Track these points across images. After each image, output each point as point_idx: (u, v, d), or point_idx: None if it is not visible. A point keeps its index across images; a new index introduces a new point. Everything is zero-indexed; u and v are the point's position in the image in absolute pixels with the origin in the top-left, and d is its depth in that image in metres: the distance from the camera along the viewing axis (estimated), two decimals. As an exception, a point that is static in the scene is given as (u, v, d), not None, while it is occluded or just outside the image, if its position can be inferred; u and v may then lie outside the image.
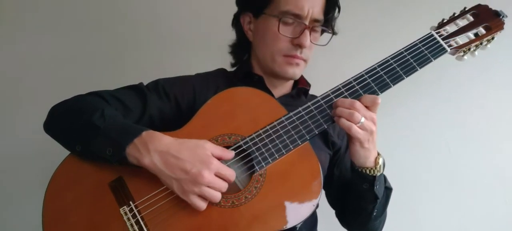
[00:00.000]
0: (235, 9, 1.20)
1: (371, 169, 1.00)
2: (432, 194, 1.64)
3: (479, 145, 1.65)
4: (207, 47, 1.63)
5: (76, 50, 1.68)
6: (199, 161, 0.83)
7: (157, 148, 0.84)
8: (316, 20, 1.07)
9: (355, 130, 0.92)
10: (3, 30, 1.67)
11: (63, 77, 1.63)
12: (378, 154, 1.01)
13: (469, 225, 1.62)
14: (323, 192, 0.97)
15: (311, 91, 1.24)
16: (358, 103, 0.93)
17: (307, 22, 1.06)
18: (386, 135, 1.58)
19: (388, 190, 1.10)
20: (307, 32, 1.05)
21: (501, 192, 1.62)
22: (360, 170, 1.01)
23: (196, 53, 1.67)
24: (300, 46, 1.06)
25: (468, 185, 1.63)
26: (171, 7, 1.73)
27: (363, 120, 0.92)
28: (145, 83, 1.10)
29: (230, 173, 0.86)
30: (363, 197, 1.05)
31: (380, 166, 1.00)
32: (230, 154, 0.90)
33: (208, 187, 0.83)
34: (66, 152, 0.95)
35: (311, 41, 1.07)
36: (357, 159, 0.99)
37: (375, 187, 1.01)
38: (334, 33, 1.14)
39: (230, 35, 1.24)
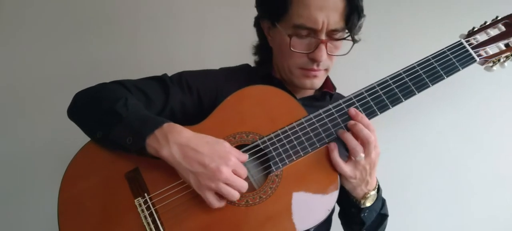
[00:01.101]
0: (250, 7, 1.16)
1: (357, 199, 0.97)
2: (431, 194, 1.61)
3: (479, 145, 1.61)
4: (214, 44, 1.64)
5: (77, 49, 1.69)
6: (218, 156, 0.82)
7: (176, 140, 0.84)
8: (334, 30, 0.99)
9: (342, 168, 0.91)
10: (3, 30, 1.68)
11: (64, 77, 1.64)
12: (375, 188, 0.98)
13: (469, 225, 1.59)
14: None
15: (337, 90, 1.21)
16: (373, 138, 0.90)
17: (323, 36, 0.98)
18: (386, 134, 1.55)
19: (383, 216, 1.04)
20: (322, 46, 0.98)
21: (501, 192, 1.59)
22: (348, 193, 0.98)
23: (206, 49, 1.68)
24: (315, 61, 1.01)
25: (468, 185, 1.60)
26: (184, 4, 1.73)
27: (362, 155, 0.90)
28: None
29: (244, 172, 0.86)
30: (350, 217, 1.03)
31: (368, 199, 0.97)
32: (244, 157, 0.88)
33: (225, 184, 0.82)
34: (65, 151, 0.95)
35: (328, 53, 1.00)
36: (344, 184, 0.95)
37: (362, 215, 0.98)
38: (354, 41, 1.04)
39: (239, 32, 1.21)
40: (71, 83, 1.07)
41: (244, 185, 0.84)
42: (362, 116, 0.93)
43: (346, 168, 0.91)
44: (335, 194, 0.90)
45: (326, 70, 1.07)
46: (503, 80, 1.61)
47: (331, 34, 1.00)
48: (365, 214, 0.99)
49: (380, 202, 1.02)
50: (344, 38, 1.03)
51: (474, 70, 1.53)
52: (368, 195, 0.96)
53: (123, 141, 0.87)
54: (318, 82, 1.07)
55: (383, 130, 1.54)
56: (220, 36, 1.68)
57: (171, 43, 1.72)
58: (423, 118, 1.64)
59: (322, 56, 0.99)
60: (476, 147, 1.62)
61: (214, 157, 0.82)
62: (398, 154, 1.61)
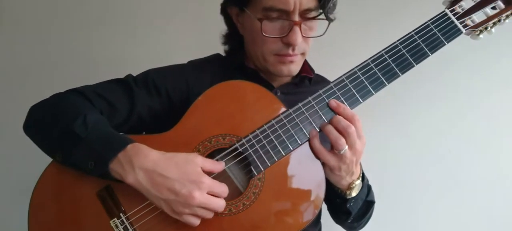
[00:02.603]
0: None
1: (342, 190, 0.94)
2: (431, 194, 1.60)
3: (479, 145, 1.59)
4: (205, 36, 1.52)
5: (76, 49, 1.61)
6: (189, 180, 0.76)
7: (142, 165, 0.77)
8: (307, 10, 0.91)
9: (324, 156, 0.86)
10: (3, 30, 1.59)
11: (64, 77, 1.55)
12: (360, 177, 0.94)
13: (469, 225, 1.60)
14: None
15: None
16: (352, 129, 0.83)
17: (296, 17, 0.90)
18: (386, 135, 1.55)
19: (369, 203, 1.02)
20: (296, 29, 0.90)
21: (501, 192, 1.59)
22: (332, 185, 0.94)
23: (189, 39, 1.60)
24: (290, 44, 0.93)
25: (468, 185, 1.59)
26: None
27: (346, 148, 0.84)
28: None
29: (222, 190, 0.80)
30: (336, 206, 1.00)
31: (353, 189, 0.93)
32: (220, 166, 0.83)
33: (201, 207, 0.77)
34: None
35: (303, 35, 0.93)
36: (328, 177, 0.90)
37: (348, 205, 0.96)
38: (329, 20, 0.96)
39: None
40: (73, 83, 0.99)
41: (221, 205, 0.79)
42: (344, 107, 0.86)
43: (329, 156, 0.86)
44: (322, 192, 0.86)
45: (303, 54, 0.99)
46: (503, 79, 1.57)
47: (304, 14, 0.92)
48: (351, 204, 0.96)
49: (366, 189, 0.99)
50: (318, 17, 0.94)
51: (474, 69, 1.51)
52: (353, 185, 0.92)
53: (84, 166, 0.80)
54: (295, 68, 0.99)
55: (382, 129, 1.53)
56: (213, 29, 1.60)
57: (168, 40, 1.64)
58: (423, 117, 1.60)
59: (297, 39, 0.91)
60: (476, 147, 1.60)
61: (184, 182, 0.76)
62: (397, 153, 1.57)
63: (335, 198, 0.97)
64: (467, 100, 1.59)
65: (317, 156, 0.87)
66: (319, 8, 0.93)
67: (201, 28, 1.59)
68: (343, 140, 0.83)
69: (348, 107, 0.87)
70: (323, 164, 0.88)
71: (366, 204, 1.00)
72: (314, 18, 0.94)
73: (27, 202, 0.86)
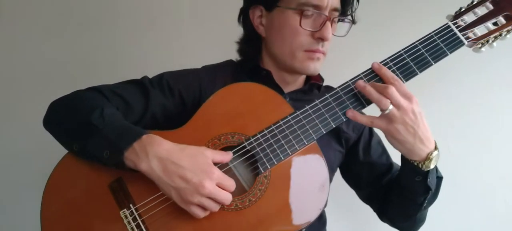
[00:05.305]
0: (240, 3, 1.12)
1: (420, 163, 0.91)
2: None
3: (479, 145, 1.60)
4: (212, 42, 1.59)
5: (76, 49, 1.66)
6: (201, 170, 0.79)
7: (156, 153, 0.80)
8: (335, 9, 1.00)
9: (373, 121, 0.87)
10: (3, 30, 1.64)
11: (64, 77, 1.61)
12: (435, 148, 0.91)
13: (469, 225, 1.59)
14: (331, 192, 0.92)
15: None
16: (392, 88, 0.84)
17: (327, 13, 0.99)
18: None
19: (439, 179, 0.99)
20: (328, 24, 0.98)
21: (501, 192, 1.58)
22: (410, 161, 0.92)
23: (201, 47, 1.63)
24: (322, 39, 0.99)
25: (468, 185, 1.59)
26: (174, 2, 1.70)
27: (390, 107, 0.83)
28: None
29: (231, 184, 0.82)
30: (413, 190, 0.97)
31: (432, 160, 0.90)
32: (228, 156, 0.86)
33: (209, 198, 0.80)
34: (65, 152, 0.92)
35: (332, 33, 1.00)
36: (399, 150, 0.91)
37: (428, 180, 0.93)
38: (353, 22, 1.07)
39: (236, 30, 1.16)
40: (72, 83, 1.03)
41: (228, 198, 0.81)
42: (385, 69, 0.90)
43: (379, 121, 0.87)
44: (326, 191, 0.89)
45: (324, 54, 1.05)
46: (503, 79, 1.59)
47: (332, 14, 1.00)
48: (430, 179, 0.93)
49: (435, 167, 0.96)
50: (345, 19, 1.05)
51: (474, 70, 1.55)
52: (432, 156, 0.90)
53: (100, 155, 0.83)
54: (319, 66, 1.05)
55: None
56: (221, 36, 1.65)
57: (170, 43, 1.68)
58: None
59: (329, 33, 0.99)
60: (476, 146, 1.60)
61: (196, 171, 0.79)
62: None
63: (414, 176, 0.94)
64: (467, 99, 1.60)
65: (368, 125, 0.90)
66: (342, 12, 1.04)
67: (205, 32, 1.65)
68: (386, 99, 0.84)
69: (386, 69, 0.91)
70: (388, 136, 0.89)
71: (437, 181, 0.99)
72: (340, 18, 1.04)
73: (34, 200, 0.90)
